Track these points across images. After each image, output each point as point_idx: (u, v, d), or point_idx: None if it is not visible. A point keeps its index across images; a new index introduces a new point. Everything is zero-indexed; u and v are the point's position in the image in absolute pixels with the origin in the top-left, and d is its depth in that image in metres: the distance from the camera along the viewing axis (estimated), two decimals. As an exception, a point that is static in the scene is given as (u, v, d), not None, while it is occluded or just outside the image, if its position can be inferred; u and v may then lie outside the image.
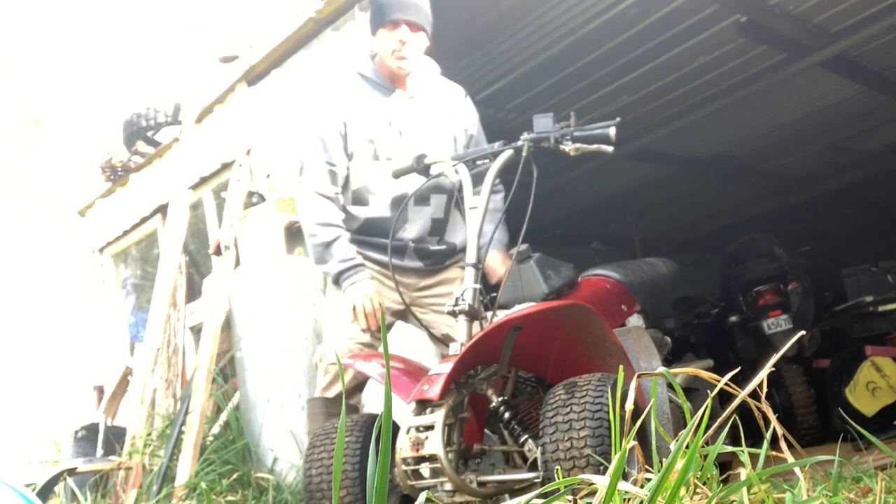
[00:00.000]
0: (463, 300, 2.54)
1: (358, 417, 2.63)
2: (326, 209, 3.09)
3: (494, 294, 2.64)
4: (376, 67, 3.18)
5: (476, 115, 3.35)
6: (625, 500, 1.49)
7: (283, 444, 4.65)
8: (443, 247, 3.23)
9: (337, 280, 3.07)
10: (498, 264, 3.19)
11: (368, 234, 3.17)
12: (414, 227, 3.15)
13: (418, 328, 3.28)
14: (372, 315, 3.01)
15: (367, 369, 2.71)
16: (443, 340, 3.19)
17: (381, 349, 3.17)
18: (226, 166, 5.63)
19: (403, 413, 2.43)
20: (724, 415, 1.57)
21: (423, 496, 1.47)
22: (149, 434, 5.42)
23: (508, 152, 2.74)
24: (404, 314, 3.25)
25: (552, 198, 7.81)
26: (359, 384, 3.14)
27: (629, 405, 1.68)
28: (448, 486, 2.30)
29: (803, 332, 4.61)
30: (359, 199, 3.17)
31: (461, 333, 2.52)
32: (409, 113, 3.16)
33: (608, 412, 2.02)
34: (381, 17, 3.09)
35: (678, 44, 5.56)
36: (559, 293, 2.91)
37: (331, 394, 3.11)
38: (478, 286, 2.58)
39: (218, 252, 5.30)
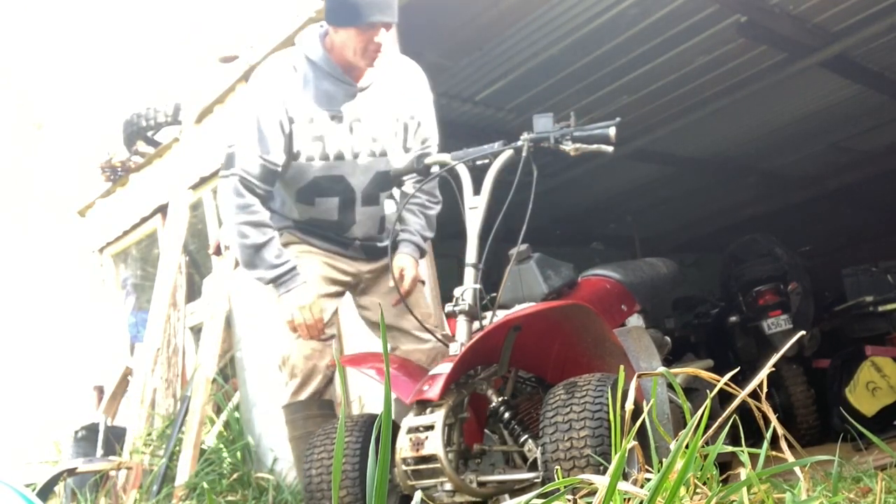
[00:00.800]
0: (463, 300, 2.54)
1: (358, 417, 2.63)
2: (257, 208, 2.87)
3: (494, 294, 2.64)
4: (327, 53, 2.91)
5: (427, 97, 3.13)
6: (625, 499, 1.49)
7: (283, 444, 4.64)
8: (389, 241, 3.14)
9: (271, 285, 2.93)
10: (408, 264, 3.05)
11: (311, 225, 3.07)
12: (361, 228, 3.09)
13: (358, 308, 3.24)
14: (313, 326, 2.89)
15: (365, 370, 2.71)
16: (377, 325, 3.14)
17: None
18: (226, 166, 5.63)
19: (402, 412, 2.43)
20: (724, 415, 1.57)
21: (418, 495, 1.47)
22: (149, 434, 5.42)
23: (508, 152, 2.73)
24: (351, 288, 3.20)
25: (552, 198, 7.81)
26: (329, 379, 3.05)
27: (629, 405, 1.68)
28: (448, 486, 2.30)
29: (803, 332, 4.60)
30: (304, 198, 3.02)
31: (461, 333, 2.52)
32: (360, 106, 2.96)
33: (608, 412, 2.02)
34: (356, 17, 2.80)
35: (678, 44, 5.56)
36: (559, 293, 2.92)
37: (303, 396, 3.00)
38: (478, 286, 2.57)
39: (218, 252, 5.30)
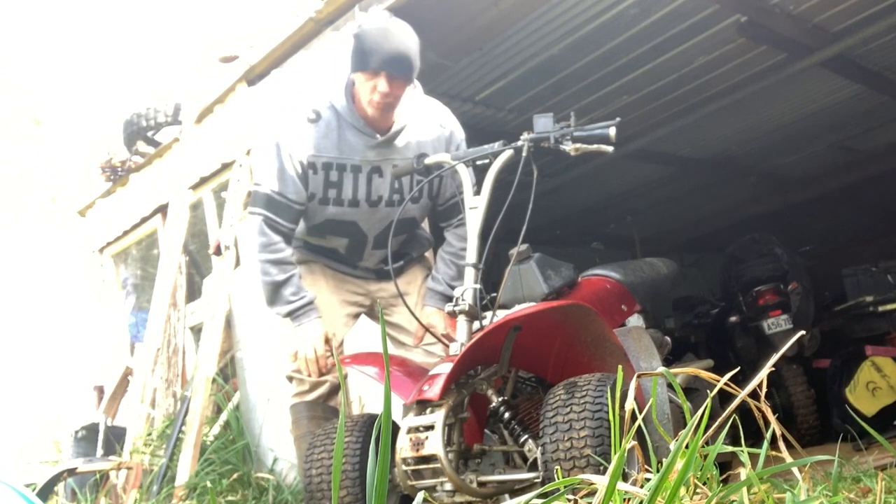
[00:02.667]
0: (463, 300, 2.54)
1: (358, 417, 2.63)
2: (280, 246, 2.95)
3: (494, 294, 2.63)
4: (351, 103, 2.94)
5: (460, 140, 3.12)
6: (625, 500, 1.49)
7: (283, 444, 4.65)
8: (400, 262, 3.20)
9: (288, 318, 3.01)
10: (437, 320, 3.07)
11: (321, 248, 3.15)
12: (372, 260, 3.16)
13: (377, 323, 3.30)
14: (314, 362, 2.95)
15: (365, 370, 2.71)
16: (404, 341, 3.18)
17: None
18: (226, 166, 5.63)
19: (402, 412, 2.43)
20: (724, 415, 1.57)
21: (420, 496, 1.47)
22: (149, 434, 5.42)
23: (508, 152, 2.73)
24: (369, 311, 3.27)
25: (552, 198, 7.81)
26: (335, 388, 3.12)
27: (629, 405, 1.68)
28: (448, 486, 2.30)
29: (803, 332, 4.61)
30: (315, 232, 3.09)
31: (461, 333, 2.52)
32: (382, 156, 2.98)
33: (608, 412, 2.02)
34: (362, 62, 2.83)
35: (678, 44, 5.56)
36: (559, 293, 2.91)
37: (309, 399, 3.09)
38: (478, 286, 2.57)
39: (218, 252, 5.30)
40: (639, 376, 1.79)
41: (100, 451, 5.59)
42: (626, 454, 1.50)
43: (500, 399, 2.48)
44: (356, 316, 3.26)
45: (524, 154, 2.70)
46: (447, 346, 2.73)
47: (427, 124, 3.07)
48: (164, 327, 5.82)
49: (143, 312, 6.57)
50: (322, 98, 2.98)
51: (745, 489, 1.52)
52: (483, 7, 4.59)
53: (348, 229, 3.06)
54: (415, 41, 2.88)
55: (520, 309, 2.57)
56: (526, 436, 2.41)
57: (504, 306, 2.72)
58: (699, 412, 1.49)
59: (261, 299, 3.14)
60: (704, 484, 1.55)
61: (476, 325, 2.54)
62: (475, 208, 2.68)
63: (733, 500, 1.54)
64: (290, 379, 3.13)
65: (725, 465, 2.83)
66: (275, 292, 2.97)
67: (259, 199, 2.96)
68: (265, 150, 2.98)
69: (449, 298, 3.07)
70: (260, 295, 3.11)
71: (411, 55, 2.85)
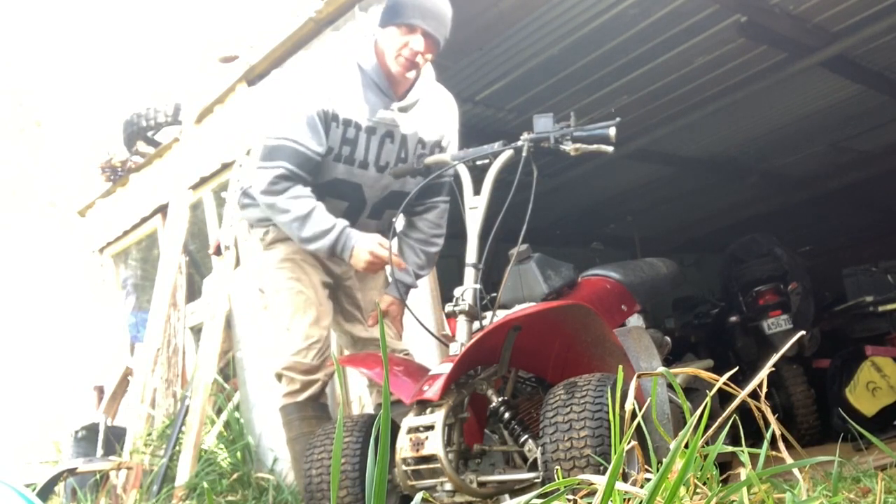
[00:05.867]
0: (463, 300, 2.54)
1: (358, 417, 2.63)
2: (298, 189, 2.84)
3: (494, 294, 2.63)
4: (377, 61, 2.95)
5: (456, 130, 3.19)
6: (625, 500, 1.49)
7: (284, 444, 4.65)
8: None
9: (334, 252, 2.86)
10: (394, 311, 3.06)
11: None
12: (366, 230, 3.06)
13: (346, 303, 3.22)
14: (386, 258, 2.81)
15: (364, 370, 2.71)
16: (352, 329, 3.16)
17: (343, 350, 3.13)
18: (226, 166, 5.63)
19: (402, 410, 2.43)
20: (724, 415, 1.57)
21: (419, 496, 1.47)
22: (149, 434, 5.43)
23: (508, 152, 2.73)
24: (332, 290, 3.17)
25: (552, 198, 7.81)
26: (325, 385, 3.08)
27: (629, 405, 1.68)
28: (448, 486, 2.30)
29: (803, 332, 4.61)
30: (317, 194, 2.96)
31: (461, 333, 2.52)
32: (395, 123, 2.99)
33: (608, 412, 2.02)
34: (397, 15, 2.85)
35: (678, 44, 5.56)
36: (559, 293, 2.91)
37: (299, 399, 3.01)
38: (478, 286, 2.57)
39: (218, 252, 5.30)
40: (639, 376, 1.79)
41: (100, 451, 5.59)
42: (625, 454, 1.50)
43: (500, 399, 2.47)
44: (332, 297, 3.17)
45: (524, 154, 2.70)
46: (447, 345, 2.72)
47: (438, 108, 3.11)
48: (164, 327, 5.82)
49: (143, 312, 6.57)
50: (349, 56, 2.98)
51: (745, 489, 1.52)
52: (483, 7, 4.59)
53: (352, 193, 3.01)
54: (450, 8, 2.91)
55: (520, 309, 2.57)
56: (526, 436, 2.41)
57: (504, 306, 2.72)
58: (698, 412, 1.49)
59: (261, 299, 3.11)
60: (704, 484, 1.55)
61: (476, 325, 2.54)
62: (475, 208, 2.68)
63: (733, 500, 1.54)
64: (280, 377, 3.04)
65: (725, 465, 2.83)
66: (303, 223, 2.82)
67: (283, 152, 2.84)
68: (288, 100, 2.94)
69: (409, 289, 3.10)
70: (257, 298, 3.07)
71: (447, 19, 2.89)
